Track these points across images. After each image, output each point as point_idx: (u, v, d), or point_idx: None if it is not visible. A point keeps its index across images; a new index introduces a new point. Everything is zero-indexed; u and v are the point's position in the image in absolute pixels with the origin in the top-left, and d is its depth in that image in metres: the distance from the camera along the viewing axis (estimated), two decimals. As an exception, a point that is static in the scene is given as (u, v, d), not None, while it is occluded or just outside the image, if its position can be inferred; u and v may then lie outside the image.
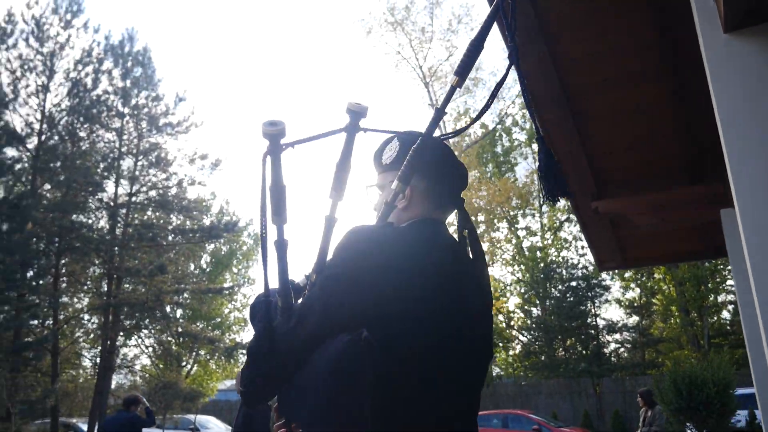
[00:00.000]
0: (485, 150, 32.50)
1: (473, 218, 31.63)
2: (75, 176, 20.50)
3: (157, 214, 23.64)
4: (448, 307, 1.33)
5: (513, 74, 1.63)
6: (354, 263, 1.29)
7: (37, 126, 21.46)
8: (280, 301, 1.47)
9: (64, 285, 22.30)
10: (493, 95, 1.61)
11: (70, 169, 20.78)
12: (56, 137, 21.74)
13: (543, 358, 27.62)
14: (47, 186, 21.35)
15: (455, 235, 1.55)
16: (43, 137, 21.44)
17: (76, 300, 25.20)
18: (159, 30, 69.42)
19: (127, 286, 21.85)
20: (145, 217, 22.79)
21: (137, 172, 22.41)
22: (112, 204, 21.90)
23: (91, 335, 24.75)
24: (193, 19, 71.62)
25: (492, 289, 1.59)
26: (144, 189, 22.68)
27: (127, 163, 22.57)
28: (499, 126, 32.28)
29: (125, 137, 22.62)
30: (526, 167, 31.76)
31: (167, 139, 22.90)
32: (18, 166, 19.47)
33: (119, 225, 21.59)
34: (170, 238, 22.29)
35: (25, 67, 21.58)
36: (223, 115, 70.71)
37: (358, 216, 1.53)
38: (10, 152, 19.62)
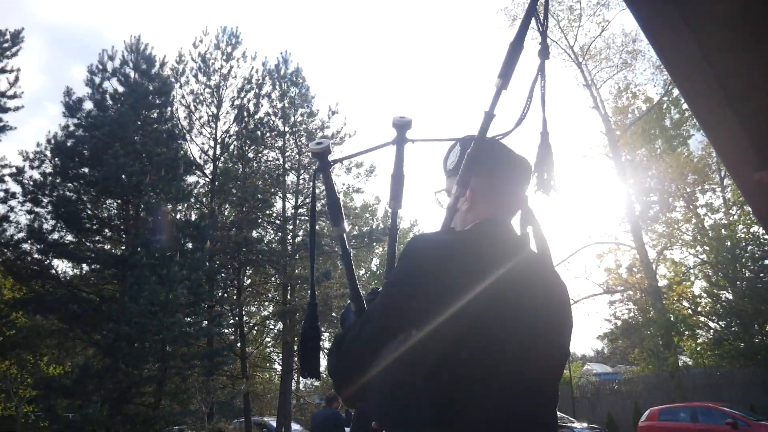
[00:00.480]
0: (651, 125, 30.27)
1: (645, 199, 29.62)
2: (247, 195, 22.28)
3: (324, 223, 24.95)
4: (504, 306, 1.34)
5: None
6: (411, 270, 1.35)
7: (211, 152, 23.64)
8: (353, 306, 1.67)
9: (247, 295, 24.30)
10: (530, 98, 1.58)
11: (243, 189, 22.63)
12: (229, 161, 23.81)
13: (740, 345, 25.09)
14: (225, 206, 23.46)
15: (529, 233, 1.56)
16: (218, 162, 23.57)
17: (261, 308, 27.37)
18: (309, 48, 73.29)
19: (303, 293, 23.28)
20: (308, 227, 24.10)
21: (300, 186, 23.83)
22: (280, 218, 23.48)
23: (278, 340, 26.69)
24: (337, 33, 74.61)
25: (563, 283, 1.52)
26: (308, 201, 24.09)
27: (290, 178, 24.09)
28: (665, 98, 29.89)
29: (287, 154, 24.16)
30: (699, 139, 29.05)
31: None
32: (196, 191, 21.56)
33: (288, 237, 23.08)
34: (334, 244, 23.40)
35: (197, 100, 23.87)
36: (373, 121, 72.98)
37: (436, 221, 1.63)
38: (191, 179, 21.79)
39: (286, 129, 24.39)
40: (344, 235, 1.76)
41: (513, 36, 1.55)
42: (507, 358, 1.33)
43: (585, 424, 21.59)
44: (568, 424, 20.88)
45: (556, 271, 1.54)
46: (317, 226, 24.80)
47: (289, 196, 24.01)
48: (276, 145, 24.24)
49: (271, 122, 24.40)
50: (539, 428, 1.38)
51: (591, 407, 25.86)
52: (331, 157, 1.75)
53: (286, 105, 24.54)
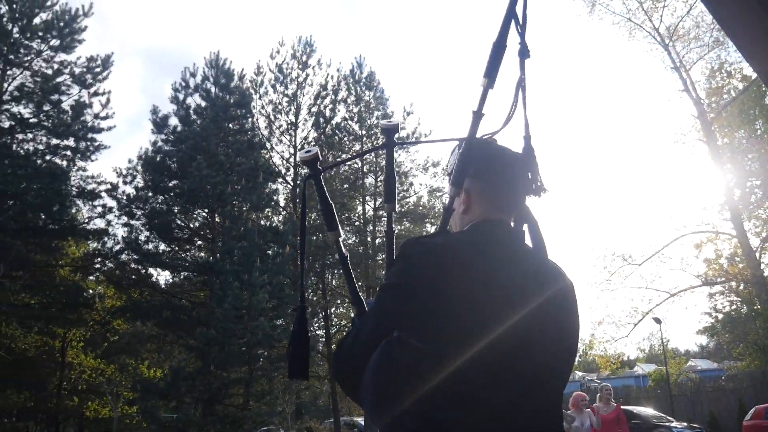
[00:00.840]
0: (750, 105, 28.32)
1: (746, 184, 27.74)
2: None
3: (407, 224, 25.09)
4: (498, 308, 1.33)
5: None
6: (403, 273, 1.37)
7: (291, 159, 24.29)
8: (355, 310, 1.71)
9: (332, 297, 24.78)
10: (516, 97, 1.58)
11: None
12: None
13: None
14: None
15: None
16: (297, 169, 24.19)
17: (346, 309, 27.82)
18: (382, 51, 73.78)
19: (384, 294, 23.43)
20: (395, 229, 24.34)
21: (379, 189, 24.04)
22: (360, 221, 23.79)
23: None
24: (409, 34, 74.56)
25: (566, 280, 1.50)
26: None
27: (369, 180, 24.35)
28: (764, 75, 27.82)
29: (365, 157, 24.44)
30: (807, 116, 26.88)
31: (400, 152, 24.18)
32: (276, 197, 22.21)
33: (368, 239, 23.35)
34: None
35: (276, 109, 24.60)
36: (447, 119, 72.55)
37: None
38: (273, 186, 22.46)
39: (363, 132, 24.69)
40: (340, 240, 1.80)
41: (496, 36, 1.57)
42: (503, 360, 1.31)
43: (684, 424, 20.55)
44: (666, 424, 19.95)
45: (558, 269, 1.52)
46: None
47: (368, 198, 24.29)
48: (354, 148, 24.59)
49: (348, 127, 24.78)
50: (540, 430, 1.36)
51: (691, 405, 24.55)
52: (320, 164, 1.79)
53: (362, 109, 24.84)
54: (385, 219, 1.95)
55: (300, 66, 24.86)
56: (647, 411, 21.71)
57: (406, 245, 1.39)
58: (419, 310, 1.31)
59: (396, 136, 1.92)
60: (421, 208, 24.86)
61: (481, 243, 1.43)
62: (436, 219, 25.40)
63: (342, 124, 24.66)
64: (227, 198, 19.13)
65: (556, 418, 1.40)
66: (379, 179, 24.27)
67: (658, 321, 25.64)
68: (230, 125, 21.38)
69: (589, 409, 8.30)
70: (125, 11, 75.25)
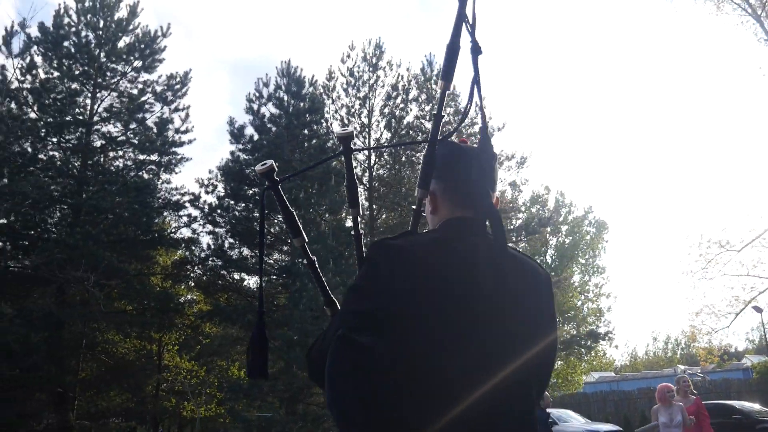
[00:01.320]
0: None
1: None
2: (401, 200, 22.86)
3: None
4: (460, 304, 1.35)
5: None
6: (365, 275, 1.42)
7: (366, 162, 24.58)
8: (329, 311, 1.82)
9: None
10: (471, 98, 1.63)
11: (398, 194, 23.26)
12: (382, 169, 24.60)
13: None
14: (382, 211, 24.27)
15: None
16: (373, 171, 24.44)
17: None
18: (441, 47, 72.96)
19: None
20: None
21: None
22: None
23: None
24: (479, 26, 73.10)
25: (537, 274, 1.50)
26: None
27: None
28: None
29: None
30: None
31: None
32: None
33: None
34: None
35: (349, 113, 24.96)
36: (523, 111, 70.72)
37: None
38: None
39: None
40: (305, 245, 1.87)
41: (450, 38, 1.62)
42: (466, 357, 1.32)
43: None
44: (771, 419, 18.62)
45: (529, 262, 1.53)
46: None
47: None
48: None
49: (421, 125, 24.77)
50: (510, 428, 1.36)
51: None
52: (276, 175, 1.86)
53: (434, 107, 24.76)
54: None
55: (371, 68, 25.08)
56: (752, 406, 20.29)
57: (371, 247, 1.44)
58: (380, 311, 1.33)
59: (352, 143, 1.95)
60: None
61: (443, 241, 1.44)
62: (515, 212, 25.01)
63: (414, 123, 24.69)
64: (302, 202, 19.62)
65: (525, 420, 1.40)
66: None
67: (758, 310, 24.04)
68: (304, 131, 21.93)
69: (680, 403, 7.54)
70: (211, 26, 78.65)
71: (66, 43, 19.92)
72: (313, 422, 17.04)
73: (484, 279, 1.38)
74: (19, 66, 18.76)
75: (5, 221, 17.63)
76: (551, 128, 77.80)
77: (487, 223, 1.51)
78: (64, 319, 16.77)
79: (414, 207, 1.78)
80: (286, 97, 21.96)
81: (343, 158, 1.98)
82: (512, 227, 23.51)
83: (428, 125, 24.67)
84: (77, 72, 19.90)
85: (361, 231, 2.08)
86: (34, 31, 19.37)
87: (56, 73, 19.49)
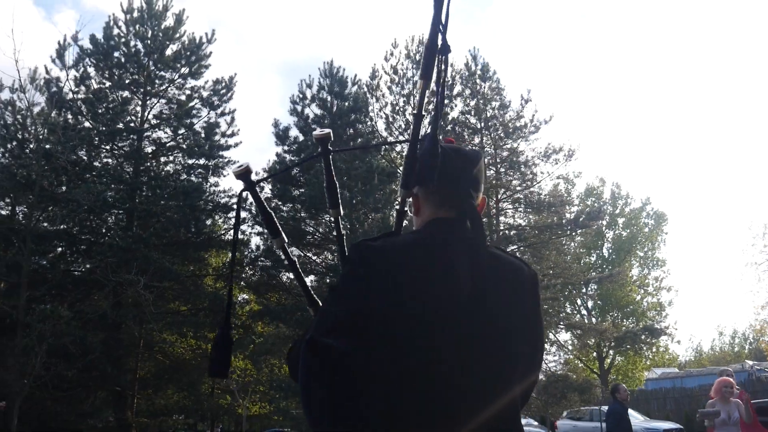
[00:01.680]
0: None
1: None
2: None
3: (529, 216, 24.43)
4: (436, 306, 1.33)
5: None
6: (344, 275, 1.42)
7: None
8: (311, 312, 1.83)
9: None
10: (440, 104, 1.58)
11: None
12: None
13: None
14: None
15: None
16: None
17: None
18: (496, 41, 71.87)
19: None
20: (513, 220, 23.80)
21: (499, 180, 23.59)
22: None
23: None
24: (522, 19, 71.91)
25: (521, 273, 1.51)
26: (508, 193, 23.75)
27: (489, 173, 23.96)
28: None
29: (485, 149, 24.07)
30: None
31: (520, 142, 23.59)
32: (394, 197, 22.50)
33: (493, 231, 22.99)
34: (536, 234, 22.76)
35: (394, 110, 24.94)
36: (573, 102, 68.92)
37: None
38: (391, 186, 22.81)
39: (481, 125, 24.34)
40: (285, 246, 1.89)
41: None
42: (441, 359, 1.30)
43: None
44: None
45: (513, 261, 1.49)
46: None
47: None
48: (473, 142, 24.29)
49: (466, 120, 24.55)
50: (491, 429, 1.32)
51: None
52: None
53: (479, 101, 24.50)
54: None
55: (414, 65, 24.98)
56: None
57: (351, 248, 1.42)
58: (357, 312, 1.32)
59: (329, 143, 1.96)
60: (547, 197, 24.00)
61: (423, 242, 1.43)
62: (559, 207, 24.42)
63: (460, 119, 24.48)
64: (346, 202, 19.73)
65: (508, 421, 1.37)
66: (500, 170, 23.82)
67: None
68: (348, 131, 22.04)
69: (737, 399, 7.17)
70: (260, 29, 79.95)
71: (116, 54, 20.60)
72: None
73: (461, 279, 1.35)
74: (73, 77, 19.53)
75: (64, 227, 18.36)
76: (605, 119, 75.81)
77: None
78: (119, 320, 17.36)
79: (397, 208, 1.76)
80: (329, 98, 22.13)
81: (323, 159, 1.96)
82: (563, 221, 23.02)
83: (473, 120, 24.44)
84: (127, 81, 20.55)
85: (343, 232, 2.06)
86: (86, 43, 20.13)
87: (108, 83, 20.19)
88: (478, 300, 1.34)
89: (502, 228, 23.04)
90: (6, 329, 15.70)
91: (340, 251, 1.98)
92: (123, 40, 20.69)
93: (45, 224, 18.01)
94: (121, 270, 16.90)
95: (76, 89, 19.71)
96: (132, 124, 20.56)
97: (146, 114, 21.02)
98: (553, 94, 69.96)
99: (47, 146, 16.82)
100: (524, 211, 24.31)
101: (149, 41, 20.91)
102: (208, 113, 21.38)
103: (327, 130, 1.96)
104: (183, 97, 21.44)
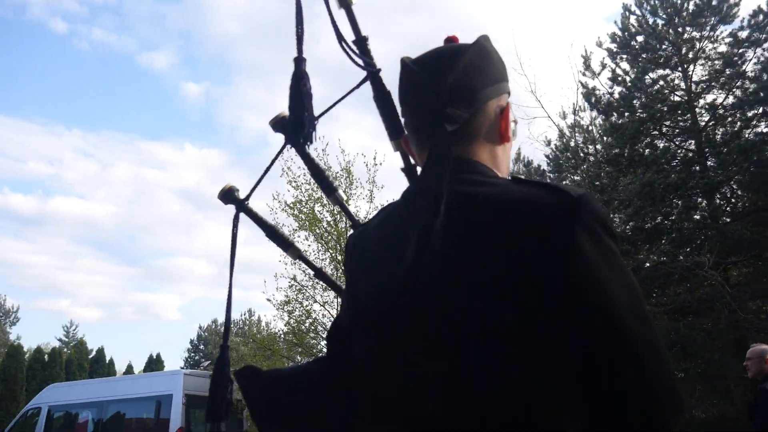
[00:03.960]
0: None
1: None
2: None
3: None
4: (374, 286, 1.11)
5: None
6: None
7: None
8: None
9: None
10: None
11: None
12: None
13: None
14: None
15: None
16: None
17: None
18: None
19: None
20: None
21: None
22: None
23: None
24: None
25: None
26: None
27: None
28: None
29: None
30: None
31: None
32: None
33: None
34: None
35: None
36: None
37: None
38: None
39: None
40: (301, 254, 1.73)
41: None
42: (377, 359, 1.10)
43: None
44: None
45: (505, 200, 1.02)
46: None
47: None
48: None
49: None
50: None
51: None
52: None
53: None
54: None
55: None
56: None
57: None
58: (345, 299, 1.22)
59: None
60: None
61: (388, 210, 1.20)
62: None
63: None
64: None
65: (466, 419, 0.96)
66: None
67: None
68: None
69: None
70: None
71: (639, 38, 20.15)
72: None
73: (405, 252, 1.02)
74: (605, 82, 20.07)
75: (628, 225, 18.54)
76: None
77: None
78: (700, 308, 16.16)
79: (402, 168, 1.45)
80: None
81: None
82: None
83: None
84: (661, 59, 19.71)
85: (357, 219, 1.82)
86: (605, 44, 20.44)
87: (639, 71, 19.82)
88: (421, 276, 1.01)
89: None
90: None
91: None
92: (640, 22, 20.13)
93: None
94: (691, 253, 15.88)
95: (611, 91, 20.08)
96: (679, 99, 19.44)
97: (690, 84, 19.51)
98: None
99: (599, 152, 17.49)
100: None
101: (660, 11, 19.75)
102: (755, 52, 18.25)
103: (282, 113, 1.52)
104: (723, 49, 19.00)
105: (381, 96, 1.42)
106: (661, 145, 19.38)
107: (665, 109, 19.10)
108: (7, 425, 14.95)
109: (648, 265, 18.34)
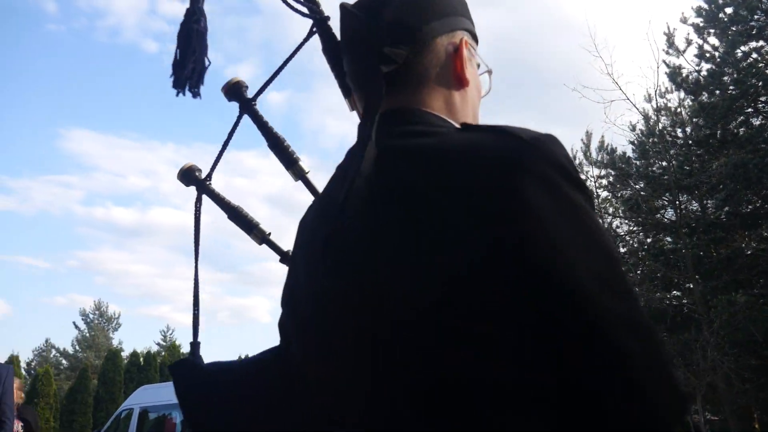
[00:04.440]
0: None
1: None
2: None
3: None
4: (305, 264, 0.99)
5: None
6: None
7: None
8: None
9: None
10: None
11: None
12: None
13: None
14: None
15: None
16: None
17: None
18: None
19: None
20: None
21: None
22: None
23: None
24: None
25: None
26: None
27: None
28: None
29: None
30: None
31: None
32: None
33: None
34: None
35: None
36: None
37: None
38: None
39: None
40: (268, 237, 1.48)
41: None
42: (299, 342, 1.00)
43: None
44: None
45: (433, 150, 0.85)
46: None
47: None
48: None
49: None
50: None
51: None
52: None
53: None
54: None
55: None
56: None
57: None
58: None
59: (246, 91, 1.34)
60: None
61: (327, 184, 1.07)
62: None
63: None
64: None
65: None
66: None
67: None
68: None
69: None
70: None
71: (728, 10, 18.87)
72: None
73: (332, 217, 0.90)
74: (691, 59, 18.95)
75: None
76: None
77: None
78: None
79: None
80: None
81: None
82: None
83: None
84: (754, 31, 18.38)
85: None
86: (690, 19, 19.24)
87: (727, 45, 18.57)
88: (341, 254, 0.87)
89: None
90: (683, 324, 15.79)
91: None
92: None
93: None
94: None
95: (698, 68, 18.92)
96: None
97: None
98: None
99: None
100: None
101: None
102: None
103: (235, 78, 1.32)
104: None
105: (330, 48, 1.21)
106: (757, 123, 17.99)
107: (760, 84, 17.74)
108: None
109: (749, 252, 17.17)
